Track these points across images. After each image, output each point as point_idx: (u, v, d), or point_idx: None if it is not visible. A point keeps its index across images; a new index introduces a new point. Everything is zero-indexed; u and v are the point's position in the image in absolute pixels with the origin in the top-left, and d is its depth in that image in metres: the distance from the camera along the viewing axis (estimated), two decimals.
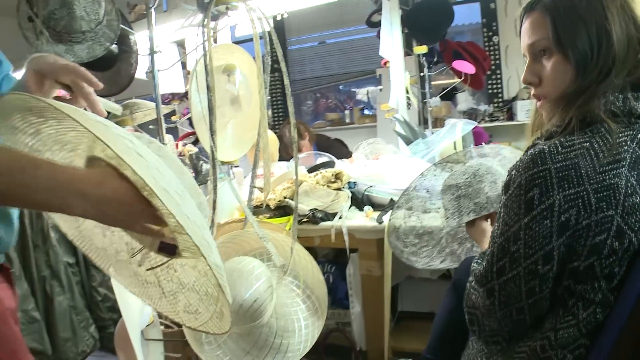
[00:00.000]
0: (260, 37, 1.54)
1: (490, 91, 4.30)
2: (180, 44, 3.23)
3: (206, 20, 1.69)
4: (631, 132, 0.87)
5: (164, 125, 1.87)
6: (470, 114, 4.24)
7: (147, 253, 0.98)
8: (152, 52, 1.99)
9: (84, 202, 0.69)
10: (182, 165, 1.00)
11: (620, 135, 0.87)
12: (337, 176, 2.12)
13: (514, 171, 0.92)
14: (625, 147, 0.86)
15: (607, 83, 0.89)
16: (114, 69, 2.06)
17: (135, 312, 1.53)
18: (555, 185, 0.85)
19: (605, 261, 0.86)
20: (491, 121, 4.16)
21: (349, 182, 2.16)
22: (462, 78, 3.13)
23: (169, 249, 0.85)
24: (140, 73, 2.28)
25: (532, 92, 1.02)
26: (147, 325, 1.60)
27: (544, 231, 0.86)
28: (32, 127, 0.81)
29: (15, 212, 0.94)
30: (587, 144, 0.87)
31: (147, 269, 0.97)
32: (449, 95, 4.34)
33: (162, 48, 2.14)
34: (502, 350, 1.00)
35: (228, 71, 1.89)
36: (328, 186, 2.07)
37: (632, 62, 0.89)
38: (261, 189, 1.83)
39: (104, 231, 0.97)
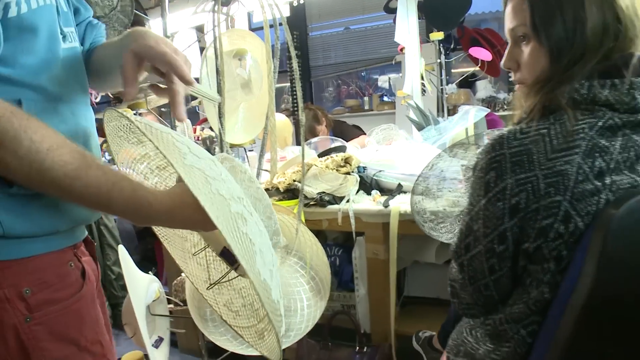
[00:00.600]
0: (271, 26, 1.57)
1: (510, 79, 4.25)
2: (200, 29, 3.27)
3: (217, 6, 1.72)
4: (592, 120, 0.88)
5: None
6: (489, 102, 4.21)
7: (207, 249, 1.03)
8: (165, 35, 2.03)
9: (154, 223, 0.86)
10: (263, 193, 1.00)
11: (580, 122, 0.88)
12: (347, 160, 2.14)
13: (479, 154, 0.96)
14: (582, 135, 0.87)
15: (575, 71, 0.90)
16: None
17: (142, 287, 1.58)
18: (509, 169, 0.89)
19: (552, 244, 0.88)
20: (510, 109, 4.11)
21: (358, 167, 2.18)
22: (479, 65, 3.11)
23: (230, 259, 0.90)
24: None
25: (512, 77, 1.04)
26: (154, 301, 1.66)
27: (498, 212, 0.91)
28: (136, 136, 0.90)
29: None
30: (545, 130, 0.89)
31: (207, 288, 1.04)
32: (469, 83, 4.32)
33: (181, 33, 2.18)
34: (481, 322, 1.06)
35: (239, 56, 1.92)
36: (337, 170, 2.10)
37: (604, 51, 0.89)
38: (269, 171, 1.87)
39: None
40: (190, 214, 0.77)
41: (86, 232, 1.00)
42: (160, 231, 1.06)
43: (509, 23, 1.00)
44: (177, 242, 1.08)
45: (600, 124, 0.88)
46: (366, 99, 5.54)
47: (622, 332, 0.88)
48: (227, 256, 0.90)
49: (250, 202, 0.88)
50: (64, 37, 0.89)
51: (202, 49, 3.32)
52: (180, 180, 0.80)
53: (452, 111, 3.74)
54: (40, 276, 0.83)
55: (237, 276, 0.99)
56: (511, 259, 0.95)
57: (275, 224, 1.00)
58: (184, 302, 1.94)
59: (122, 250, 1.56)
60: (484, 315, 1.04)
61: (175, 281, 2.05)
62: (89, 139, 0.93)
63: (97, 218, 0.99)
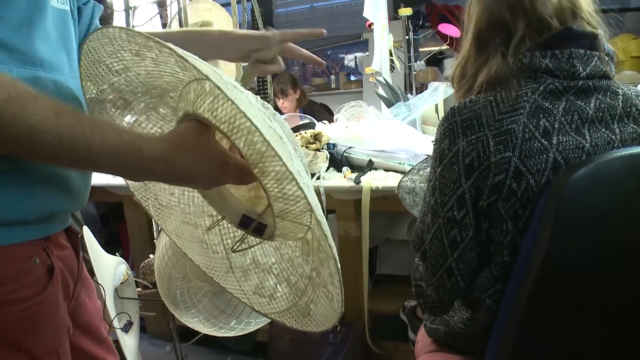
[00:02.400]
0: (238, 2, 1.52)
1: None
2: (160, 4, 3.17)
3: None
4: (534, 85, 0.94)
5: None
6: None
7: (224, 225, 0.91)
8: (127, 9, 1.95)
9: (148, 176, 0.73)
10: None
11: (524, 87, 0.95)
12: (316, 137, 2.10)
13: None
14: (526, 98, 0.93)
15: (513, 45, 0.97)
16: None
17: (109, 269, 1.53)
18: (460, 134, 0.94)
19: (507, 202, 0.92)
20: None
21: (328, 144, 2.14)
22: (448, 42, 3.10)
23: (257, 228, 0.79)
24: None
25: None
26: (122, 283, 1.60)
27: (454, 176, 0.95)
28: (121, 64, 0.75)
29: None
30: (492, 97, 0.95)
31: (232, 250, 0.90)
32: (437, 61, 4.31)
33: (141, 7, 2.11)
34: None
35: (204, 27, 1.87)
36: (307, 147, 2.06)
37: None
38: None
39: (171, 188, 0.89)
40: (195, 159, 0.68)
41: (68, 222, 0.88)
42: (164, 223, 0.93)
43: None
44: (186, 232, 0.94)
45: (542, 88, 0.94)
46: (333, 77, 5.51)
47: (576, 295, 0.92)
48: (247, 224, 0.78)
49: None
50: None
51: (163, 25, 3.23)
52: (182, 120, 0.70)
53: (420, 89, 3.73)
54: None
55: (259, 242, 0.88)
56: (472, 227, 0.96)
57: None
58: (153, 285, 1.89)
59: (87, 231, 1.50)
60: (451, 307, 1.06)
61: (142, 263, 2.00)
62: None
63: (80, 206, 0.86)
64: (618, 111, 0.96)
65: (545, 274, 0.86)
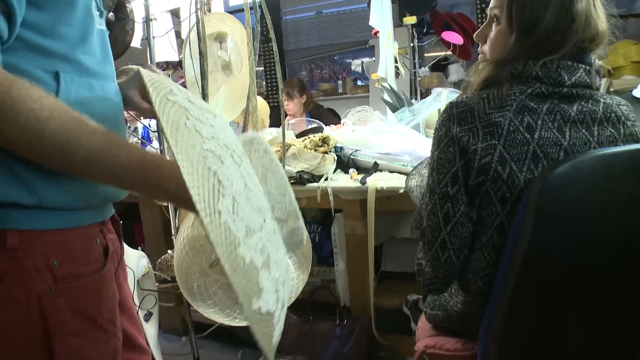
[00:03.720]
0: (251, 8, 1.62)
1: None
2: (175, 13, 3.28)
3: None
4: (523, 87, 1.06)
5: (154, 67, 1.94)
6: (461, 85, 4.30)
7: None
8: (147, 20, 2.06)
9: (166, 194, 0.80)
10: (278, 167, 0.93)
11: (513, 89, 1.06)
12: (324, 140, 2.21)
13: None
14: (514, 97, 1.05)
15: (520, 54, 1.08)
16: (110, 37, 2.11)
17: (132, 262, 1.64)
18: (456, 123, 1.07)
19: (495, 185, 1.03)
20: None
21: (335, 147, 2.25)
22: (451, 49, 3.20)
23: None
24: (136, 41, 2.34)
25: (479, 49, 1.21)
26: (143, 276, 1.72)
27: (449, 157, 1.08)
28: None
29: None
30: (485, 95, 1.08)
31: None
32: (441, 66, 4.41)
33: (157, 17, 2.21)
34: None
35: (220, 38, 1.97)
36: (315, 150, 2.17)
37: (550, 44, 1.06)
38: None
39: None
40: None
41: (113, 210, 1.03)
42: None
43: (490, 3, 1.14)
44: None
45: (529, 91, 1.06)
46: (340, 82, 5.60)
47: (557, 280, 1.02)
48: None
49: (256, 170, 0.85)
50: (100, 14, 0.93)
51: (177, 33, 3.35)
52: None
53: (425, 94, 3.82)
54: (68, 249, 0.85)
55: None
56: (464, 204, 1.07)
57: (291, 204, 0.92)
58: (171, 279, 2.00)
59: None
60: (447, 287, 1.15)
61: (159, 260, 2.11)
62: (118, 115, 0.96)
63: (124, 194, 1.00)
64: (598, 115, 1.08)
65: (529, 260, 0.96)
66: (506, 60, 1.09)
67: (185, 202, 0.71)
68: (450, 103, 1.10)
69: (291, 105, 4.01)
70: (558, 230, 0.97)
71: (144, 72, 0.75)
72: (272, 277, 0.71)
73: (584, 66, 1.07)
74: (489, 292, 1.06)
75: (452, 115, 1.08)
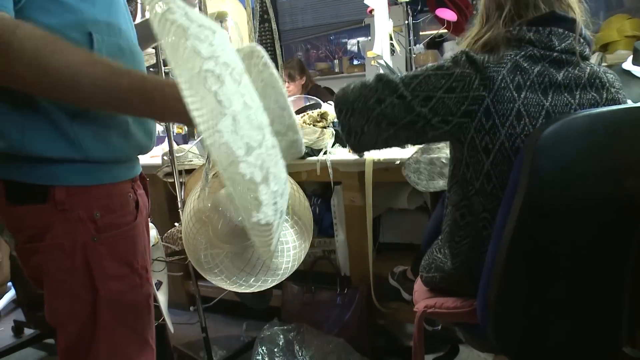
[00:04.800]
0: None
1: None
2: None
3: None
4: (518, 51, 1.15)
5: (163, 70, 2.01)
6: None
7: None
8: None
9: (171, 113, 0.86)
10: (277, 81, 0.92)
11: (509, 50, 1.16)
12: (323, 116, 2.28)
13: None
14: (509, 58, 1.14)
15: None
16: None
17: None
18: (462, 63, 1.14)
19: (478, 134, 1.13)
20: None
21: (333, 122, 2.31)
22: (445, 25, 3.23)
23: None
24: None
25: None
26: (152, 246, 1.79)
27: (436, 83, 1.14)
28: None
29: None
30: (487, 54, 1.15)
31: None
32: (436, 44, 4.44)
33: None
34: (445, 238, 1.28)
35: (220, 18, 2.02)
36: (314, 125, 2.23)
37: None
38: None
39: None
40: None
41: (141, 169, 1.12)
42: None
43: None
44: None
45: (522, 53, 1.15)
46: (336, 62, 5.63)
47: (550, 234, 1.09)
48: None
49: (256, 85, 0.85)
50: None
51: None
52: None
53: None
54: (108, 202, 0.95)
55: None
56: (422, 118, 1.15)
57: (290, 117, 0.93)
58: (177, 253, 2.08)
59: None
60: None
61: (166, 234, 2.18)
62: (142, 69, 1.05)
63: (153, 145, 1.09)
64: (583, 81, 1.17)
65: (525, 214, 1.03)
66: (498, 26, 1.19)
67: (192, 119, 0.73)
68: (463, 50, 1.17)
69: (292, 87, 4.05)
70: (551, 184, 1.05)
71: None
72: (270, 191, 0.74)
73: (574, 35, 1.16)
74: (487, 237, 1.16)
75: (462, 56, 1.14)
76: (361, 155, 2.06)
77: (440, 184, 1.81)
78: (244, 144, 0.71)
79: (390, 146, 1.25)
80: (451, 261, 1.25)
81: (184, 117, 0.78)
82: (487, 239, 1.15)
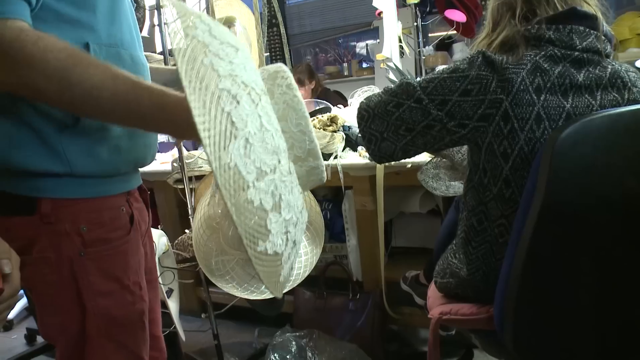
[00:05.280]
0: None
1: None
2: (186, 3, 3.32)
3: None
4: (537, 51, 1.12)
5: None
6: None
7: None
8: (158, 7, 2.10)
9: (190, 130, 0.81)
10: (300, 103, 0.88)
11: (529, 50, 1.12)
12: (333, 120, 2.26)
13: None
14: (529, 58, 1.10)
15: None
16: None
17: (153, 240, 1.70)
18: (478, 65, 1.11)
19: (497, 139, 1.09)
20: None
21: (343, 126, 2.29)
22: (454, 26, 3.21)
23: None
24: (144, 31, 2.37)
25: None
26: (163, 253, 1.78)
27: (452, 86, 1.12)
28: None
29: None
30: (505, 54, 1.11)
31: None
32: (445, 45, 4.41)
33: (168, 5, 2.24)
34: (460, 243, 1.26)
35: (228, 23, 2.02)
36: (324, 129, 2.22)
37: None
38: None
39: None
40: None
41: (140, 180, 1.10)
42: None
43: None
44: None
45: (542, 53, 1.11)
46: (345, 65, 5.61)
47: (570, 236, 1.07)
48: None
49: (277, 107, 0.83)
50: None
51: None
52: None
53: (430, 73, 3.82)
54: (96, 216, 0.92)
55: None
56: (438, 122, 1.13)
57: (311, 143, 0.87)
58: (188, 260, 2.07)
59: None
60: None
61: (177, 240, 2.17)
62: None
63: (152, 159, 1.08)
64: (604, 81, 1.13)
65: (544, 217, 1.01)
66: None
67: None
68: (479, 50, 1.14)
69: (302, 92, 4.04)
70: (571, 186, 1.03)
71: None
72: (281, 219, 0.72)
73: (595, 32, 1.13)
74: (503, 244, 1.13)
75: (478, 58, 1.11)
76: (380, 163, 2.04)
77: (462, 189, 1.77)
78: (255, 169, 0.68)
79: (409, 155, 1.23)
80: (467, 267, 1.22)
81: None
82: (504, 246, 1.12)
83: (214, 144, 0.63)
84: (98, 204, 0.93)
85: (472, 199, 1.20)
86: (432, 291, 1.44)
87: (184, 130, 0.81)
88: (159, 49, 2.21)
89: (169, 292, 1.77)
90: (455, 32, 3.33)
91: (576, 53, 1.11)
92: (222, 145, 0.64)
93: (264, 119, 0.74)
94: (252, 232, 0.67)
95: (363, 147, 2.20)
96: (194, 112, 0.62)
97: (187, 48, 0.66)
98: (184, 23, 0.69)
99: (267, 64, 5.73)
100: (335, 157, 2.14)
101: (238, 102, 0.69)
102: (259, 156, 0.69)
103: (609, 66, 1.14)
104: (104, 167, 0.93)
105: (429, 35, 4.69)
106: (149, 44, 2.28)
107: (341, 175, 2.09)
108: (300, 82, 3.98)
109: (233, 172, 0.65)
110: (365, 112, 1.23)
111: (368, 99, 1.25)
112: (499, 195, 1.14)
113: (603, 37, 1.14)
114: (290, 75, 0.89)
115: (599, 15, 1.14)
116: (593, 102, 1.12)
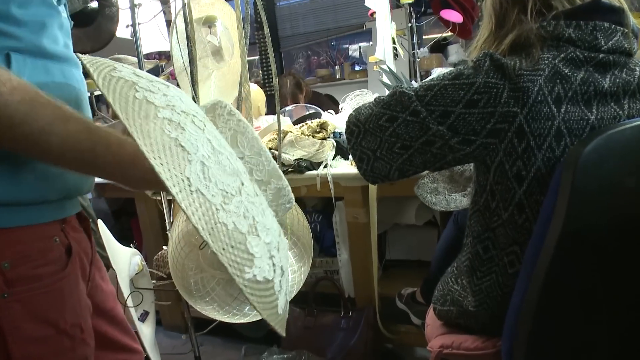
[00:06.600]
0: None
1: None
2: (164, 1, 3.19)
3: None
4: (556, 53, 0.95)
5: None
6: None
7: None
8: (132, 6, 1.97)
9: (150, 186, 0.77)
10: (247, 126, 0.87)
11: (545, 54, 0.96)
12: (322, 126, 2.13)
13: None
14: (547, 62, 0.94)
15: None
16: (94, 25, 2.04)
17: (124, 260, 1.56)
18: (486, 70, 0.95)
19: (509, 158, 0.94)
20: None
21: (334, 132, 2.17)
22: (450, 27, 3.10)
23: None
24: (125, 32, 2.25)
25: None
26: (137, 274, 1.64)
27: (454, 95, 0.96)
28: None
29: None
30: (516, 59, 0.96)
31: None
32: (440, 47, 4.30)
33: (144, 5, 2.12)
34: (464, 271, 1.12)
35: (209, 22, 1.89)
36: (313, 136, 2.09)
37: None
38: None
39: None
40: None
41: (79, 207, 0.96)
42: None
43: None
44: None
45: (562, 55, 0.95)
46: (337, 68, 5.52)
47: (594, 266, 0.94)
48: None
49: (225, 135, 0.81)
50: (58, 1, 0.87)
51: (167, 22, 3.25)
52: None
53: (425, 76, 3.73)
54: (21, 249, 0.78)
55: None
56: (440, 138, 0.99)
57: (270, 163, 0.86)
58: (167, 276, 1.93)
59: (101, 224, 1.54)
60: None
61: (156, 256, 2.03)
62: (81, 102, 0.89)
63: (89, 189, 0.95)
64: (632, 87, 0.98)
65: (564, 244, 0.88)
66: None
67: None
68: (485, 52, 0.98)
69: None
70: (596, 209, 0.90)
71: (83, 57, 0.69)
72: (262, 242, 0.66)
73: (622, 29, 0.97)
74: (513, 275, 1.00)
75: (485, 61, 0.96)
76: (374, 184, 1.91)
77: (464, 202, 1.63)
78: (220, 191, 0.63)
79: (407, 175, 1.08)
80: (472, 297, 1.09)
81: (158, 187, 0.79)
82: (514, 277, 0.99)
83: (168, 171, 0.58)
84: (22, 234, 0.79)
85: (477, 224, 1.06)
86: (431, 318, 1.30)
87: (139, 184, 0.76)
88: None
89: (144, 315, 1.63)
90: (451, 33, 3.22)
91: (601, 55, 0.95)
92: (179, 170, 0.60)
93: (214, 142, 0.69)
94: (234, 257, 0.61)
95: None
96: (138, 142, 0.57)
97: (115, 87, 0.63)
98: (105, 69, 0.66)
99: (256, 67, 5.63)
100: (325, 166, 2.01)
101: (183, 129, 0.65)
102: (220, 178, 0.65)
103: (637, 68, 0.99)
104: (28, 194, 0.79)
105: (423, 37, 4.58)
106: (131, 47, 2.14)
107: (331, 185, 1.96)
108: (294, 99, 3.83)
109: (197, 196, 0.61)
110: (355, 127, 1.09)
111: (357, 111, 1.10)
112: (510, 221, 0.99)
113: (630, 33, 0.98)
114: (229, 103, 0.87)
115: (625, 7, 0.98)
116: (620, 111, 0.97)
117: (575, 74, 0.94)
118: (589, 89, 0.94)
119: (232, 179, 0.66)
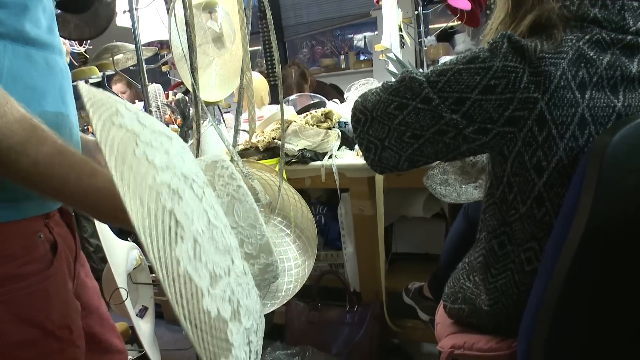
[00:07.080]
0: None
1: None
2: None
3: None
4: (580, 34, 0.88)
5: (144, 67, 1.81)
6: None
7: None
8: None
9: (119, 223, 0.72)
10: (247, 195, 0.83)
11: (568, 34, 0.88)
12: (327, 115, 2.07)
13: None
14: (570, 44, 0.87)
15: None
16: (91, 10, 1.98)
17: (121, 254, 1.51)
18: (503, 53, 0.87)
19: (528, 148, 0.88)
20: None
21: (339, 122, 2.10)
22: (458, 15, 3.02)
23: None
24: (126, 21, 2.19)
25: None
26: (135, 269, 1.59)
27: (469, 81, 0.89)
28: None
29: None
30: (536, 38, 0.89)
31: None
32: (447, 36, 4.23)
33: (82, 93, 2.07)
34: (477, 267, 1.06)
35: (209, 8, 1.82)
36: (318, 126, 2.02)
37: None
38: (247, 131, 1.79)
39: None
40: None
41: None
42: None
43: None
44: None
45: (587, 37, 0.87)
46: (342, 57, 5.46)
47: (621, 267, 0.87)
48: None
49: (221, 200, 0.78)
50: None
51: (167, 10, 3.19)
52: None
53: (432, 65, 3.67)
54: (3, 248, 0.74)
55: None
56: (452, 128, 0.92)
57: (263, 237, 0.83)
58: None
59: None
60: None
61: None
62: (64, 92, 0.84)
63: None
64: None
65: (588, 242, 0.81)
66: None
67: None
68: (503, 33, 0.90)
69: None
70: (626, 204, 0.82)
71: (83, 88, 0.62)
72: (242, 329, 0.62)
73: None
74: (531, 272, 0.93)
75: (503, 43, 0.88)
76: (382, 174, 1.85)
77: (475, 194, 1.56)
78: (208, 273, 0.58)
79: (417, 166, 1.01)
80: (486, 296, 1.02)
81: (127, 225, 0.68)
82: (532, 275, 0.93)
83: (157, 250, 0.53)
84: (4, 231, 0.74)
85: (493, 217, 1.00)
86: (441, 316, 1.24)
87: (106, 219, 0.72)
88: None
89: (143, 310, 1.58)
90: (459, 21, 3.13)
91: (629, 37, 0.87)
92: (168, 249, 0.54)
93: (211, 214, 0.65)
94: (212, 349, 0.56)
95: None
96: (129, 213, 0.52)
97: (114, 139, 0.57)
98: (107, 110, 0.59)
99: (260, 57, 5.57)
100: (330, 157, 1.95)
101: (181, 197, 0.60)
102: (211, 258, 0.61)
103: None
104: (9, 191, 0.74)
105: (430, 26, 4.51)
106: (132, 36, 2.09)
107: (336, 176, 1.90)
108: (300, 88, 3.76)
109: (184, 280, 0.55)
110: (362, 115, 1.02)
111: (364, 97, 1.03)
112: (528, 216, 0.93)
113: None
114: (231, 164, 0.84)
115: None
116: None
117: (601, 58, 0.87)
118: (615, 74, 0.87)
119: (223, 258, 0.63)
